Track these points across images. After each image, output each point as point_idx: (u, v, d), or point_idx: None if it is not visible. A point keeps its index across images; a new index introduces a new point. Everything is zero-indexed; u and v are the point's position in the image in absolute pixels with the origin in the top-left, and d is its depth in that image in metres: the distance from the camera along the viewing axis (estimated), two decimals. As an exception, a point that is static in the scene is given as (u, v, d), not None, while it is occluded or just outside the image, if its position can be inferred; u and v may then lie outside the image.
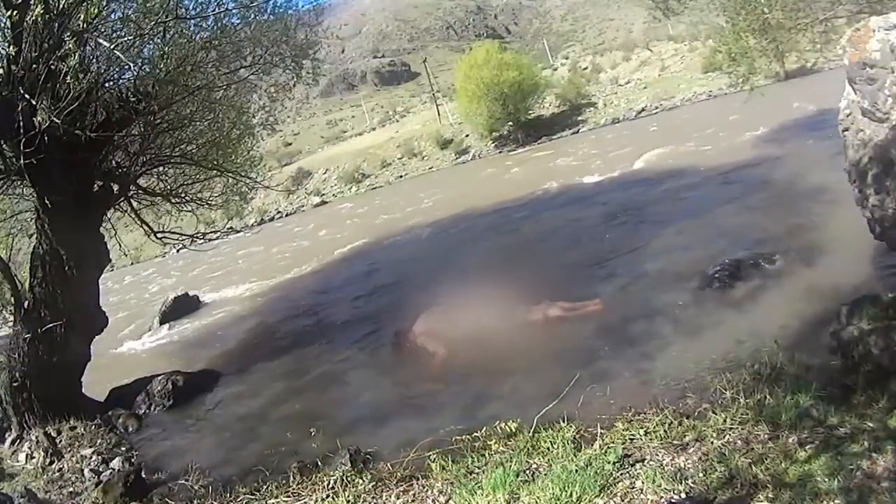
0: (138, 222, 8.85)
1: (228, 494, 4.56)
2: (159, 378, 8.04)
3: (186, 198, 9.47)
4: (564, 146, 28.95)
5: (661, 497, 3.05)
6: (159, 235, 8.96)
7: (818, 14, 8.78)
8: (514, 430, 4.37)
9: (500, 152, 35.05)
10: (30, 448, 6.41)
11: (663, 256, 8.32)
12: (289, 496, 4.22)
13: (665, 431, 3.75)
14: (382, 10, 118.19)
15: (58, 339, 6.89)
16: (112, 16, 6.32)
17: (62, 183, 6.31)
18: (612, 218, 11.69)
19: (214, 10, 6.68)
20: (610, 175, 16.59)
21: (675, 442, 3.59)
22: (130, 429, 7.18)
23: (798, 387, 3.81)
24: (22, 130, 5.35)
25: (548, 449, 3.92)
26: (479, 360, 6.40)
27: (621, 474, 3.34)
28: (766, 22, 9.38)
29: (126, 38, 5.99)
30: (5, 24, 4.96)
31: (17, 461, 6.38)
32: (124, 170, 8.02)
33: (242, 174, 9.65)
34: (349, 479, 4.24)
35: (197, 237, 9.15)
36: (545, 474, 3.54)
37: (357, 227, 22.23)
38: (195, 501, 4.71)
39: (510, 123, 35.57)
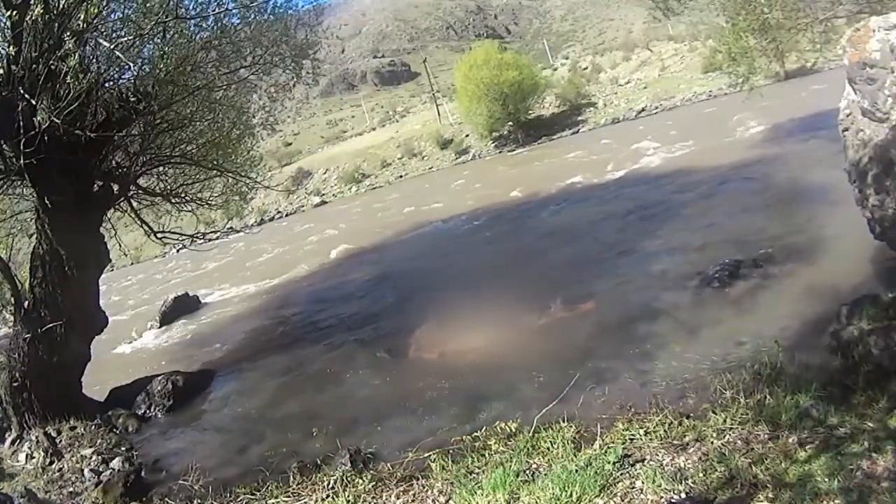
0: (138, 222, 8.85)
1: (228, 494, 4.56)
2: (159, 378, 8.04)
3: (186, 198, 9.47)
4: (565, 146, 28.94)
5: (661, 497, 3.05)
6: (159, 235, 8.96)
7: (818, 14, 8.78)
8: (514, 430, 4.37)
9: (500, 152, 35.07)
10: (30, 448, 6.41)
11: (664, 256, 8.32)
12: (289, 496, 4.22)
13: (665, 431, 3.75)
14: (382, 10, 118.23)
15: (58, 339, 6.89)
16: (112, 16, 6.32)
17: (62, 183, 6.31)
18: (612, 218, 11.69)
19: (214, 10, 6.68)
20: (610, 175, 16.59)
21: (675, 442, 3.59)
22: (130, 429, 7.18)
23: (798, 387, 3.81)
24: (22, 130, 5.35)
25: (548, 449, 3.92)
26: (479, 361, 6.40)
27: (621, 474, 3.34)
28: (766, 22, 9.37)
29: (126, 38, 5.99)
30: (5, 24, 4.96)
31: (17, 461, 6.38)
32: (124, 170, 8.02)
33: (242, 174, 9.64)
34: (349, 479, 4.24)
35: (197, 237, 9.15)
36: (545, 474, 3.54)
37: (359, 227, 22.24)
38: (195, 501, 4.71)
39: (510, 123, 35.59)
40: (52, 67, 5.28)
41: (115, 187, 7.91)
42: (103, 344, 9.36)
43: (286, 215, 38.36)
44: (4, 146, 5.85)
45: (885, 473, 2.79)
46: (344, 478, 4.26)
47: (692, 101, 31.63)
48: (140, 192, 8.86)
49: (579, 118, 35.96)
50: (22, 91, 5.24)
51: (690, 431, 3.68)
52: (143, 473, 5.52)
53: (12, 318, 7.36)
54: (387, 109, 73.94)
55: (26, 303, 6.87)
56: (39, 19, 4.82)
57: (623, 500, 3.12)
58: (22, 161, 5.43)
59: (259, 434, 6.25)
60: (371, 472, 4.37)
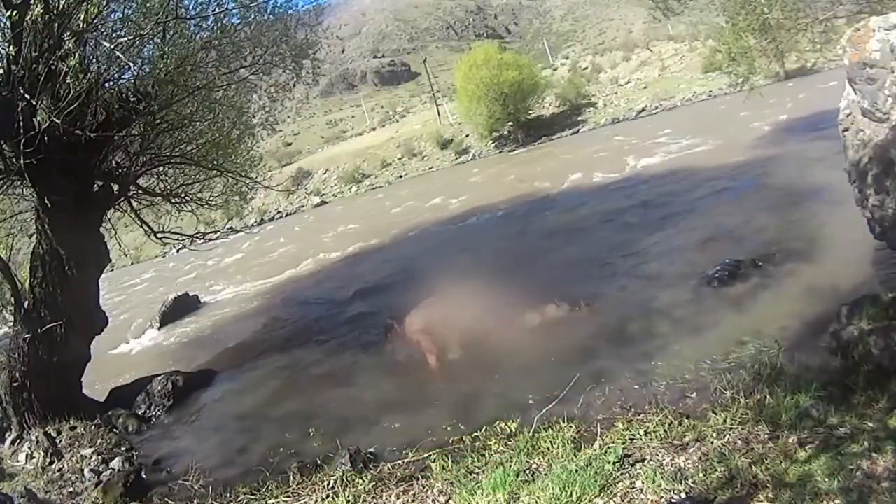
0: (138, 222, 8.84)
1: (228, 494, 4.56)
2: (159, 378, 8.04)
3: (186, 198, 9.46)
4: (565, 146, 28.97)
5: (661, 497, 3.05)
6: (159, 235, 8.95)
7: (818, 14, 8.78)
8: (514, 430, 4.38)
9: (500, 152, 35.09)
10: (30, 448, 6.41)
11: (664, 256, 8.33)
12: (289, 496, 4.22)
13: (665, 431, 3.75)
14: (382, 10, 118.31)
15: (58, 339, 6.88)
16: (112, 16, 6.31)
17: (62, 183, 6.30)
18: (612, 218, 11.70)
19: (214, 10, 6.67)
20: (610, 175, 16.61)
21: (675, 442, 3.59)
22: (130, 429, 7.18)
23: (798, 387, 3.81)
24: (22, 130, 5.35)
25: (548, 449, 3.92)
26: (480, 361, 6.40)
27: (621, 474, 3.34)
28: (766, 22, 9.38)
29: (126, 38, 5.99)
30: (5, 24, 4.96)
31: (17, 461, 6.38)
32: (124, 170, 8.01)
33: (242, 174, 9.63)
34: (349, 479, 4.24)
35: (197, 237, 9.14)
36: (545, 474, 3.54)
37: (370, 225, 22.25)
38: (195, 501, 4.71)
39: (510, 123, 35.61)
40: (52, 67, 5.28)
41: (115, 187, 7.90)
42: (103, 344, 9.36)
43: (286, 215, 38.39)
44: (4, 146, 5.84)
45: (885, 473, 2.79)
46: (344, 478, 4.27)
47: (692, 101, 31.67)
48: (140, 192, 8.85)
49: (579, 118, 35.98)
50: (22, 91, 5.24)
51: (690, 431, 3.68)
52: (143, 473, 5.51)
53: (12, 318, 7.36)
54: (387, 109, 73.98)
55: (26, 303, 6.87)
56: (39, 19, 4.82)
57: (623, 500, 3.12)
58: (22, 161, 5.42)
59: (259, 434, 6.25)
60: (371, 472, 4.37)
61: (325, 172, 43.24)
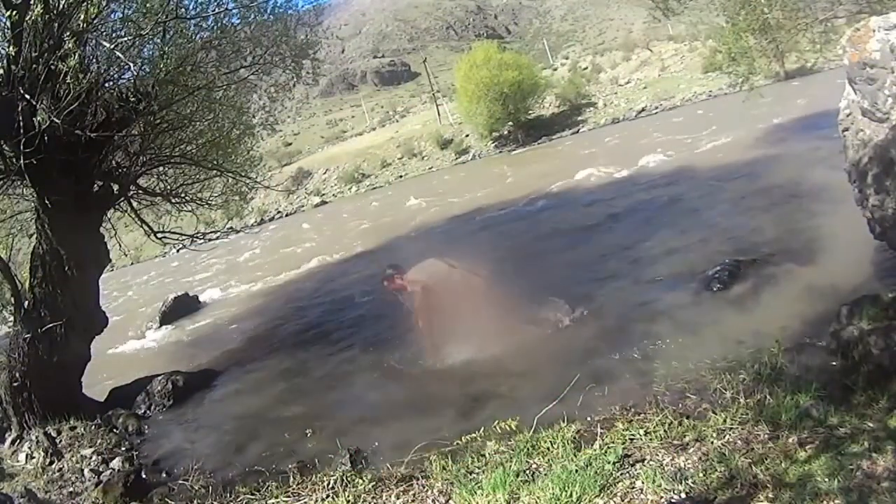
0: (138, 222, 8.83)
1: (228, 494, 4.55)
2: (159, 378, 8.04)
3: (186, 198, 9.45)
4: (565, 146, 28.98)
5: (661, 497, 3.04)
6: (159, 235, 8.95)
7: (818, 14, 8.79)
8: (513, 430, 4.36)
9: (500, 152, 35.11)
10: (30, 448, 6.41)
11: (663, 257, 8.32)
12: (289, 496, 4.21)
13: (665, 431, 3.74)
14: (382, 10, 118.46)
15: (58, 339, 6.88)
16: (112, 16, 6.32)
17: (62, 183, 6.31)
18: (612, 218, 11.70)
19: (214, 10, 6.67)
20: (610, 176, 16.62)
21: (675, 442, 3.58)
22: (130, 429, 7.17)
23: (798, 387, 3.81)
24: (22, 130, 5.35)
25: (548, 449, 3.92)
26: (480, 362, 6.40)
27: (621, 474, 3.33)
28: (766, 22, 9.40)
29: (126, 38, 5.99)
30: (5, 24, 4.96)
31: (17, 461, 6.38)
32: (124, 170, 8.00)
33: (242, 174, 9.63)
34: (349, 479, 4.23)
35: (197, 237, 9.13)
36: (545, 474, 3.54)
37: (364, 226, 22.25)
38: (195, 501, 4.71)
39: (510, 123, 35.65)
40: (52, 67, 5.28)
41: (115, 187, 7.89)
42: (103, 344, 9.37)
43: (286, 215, 38.41)
44: (4, 146, 5.85)
45: (885, 473, 2.78)
46: (344, 478, 4.26)
47: (692, 101, 31.72)
48: (140, 192, 8.84)
49: (579, 118, 36.03)
50: (22, 91, 5.24)
51: (690, 431, 3.67)
52: (143, 473, 5.52)
53: (12, 318, 7.36)
54: (387, 109, 74.05)
55: (26, 303, 6.87)
56: (39, 19, 4.82)
57: (623, 500, 3.12)
58: (22, 161, 5.43)
59: (259, 434, 6.25)
60: (371, 472, 4.36)
61: (325, 172, 43.29)
